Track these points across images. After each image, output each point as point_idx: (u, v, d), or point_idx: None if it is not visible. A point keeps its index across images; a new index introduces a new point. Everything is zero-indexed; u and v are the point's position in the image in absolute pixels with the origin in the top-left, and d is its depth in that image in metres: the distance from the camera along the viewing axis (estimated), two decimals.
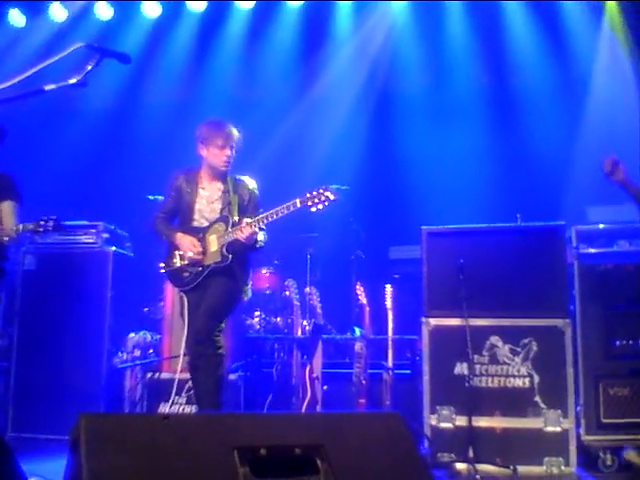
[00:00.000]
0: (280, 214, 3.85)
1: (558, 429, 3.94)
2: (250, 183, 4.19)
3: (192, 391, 4.29)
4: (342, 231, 5.85)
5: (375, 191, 6.49)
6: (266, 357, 5.19)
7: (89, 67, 2.38)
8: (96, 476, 1.69)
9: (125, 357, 5.08)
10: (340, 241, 5.91)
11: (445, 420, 4.07)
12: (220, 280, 3.99)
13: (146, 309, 5.51)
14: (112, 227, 5.33)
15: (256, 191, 4.19)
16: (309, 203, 3.77)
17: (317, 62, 6.79)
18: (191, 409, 4.48)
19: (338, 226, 5.57)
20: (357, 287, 4.78)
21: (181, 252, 4.08)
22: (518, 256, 4.21)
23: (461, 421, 4.03)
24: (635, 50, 5.72)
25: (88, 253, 5.13)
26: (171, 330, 4.89)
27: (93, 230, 5.19)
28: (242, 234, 3.89)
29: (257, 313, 5.49)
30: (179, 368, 4.24)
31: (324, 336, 4.96)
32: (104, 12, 6.76)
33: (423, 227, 4.37)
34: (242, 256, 4.06)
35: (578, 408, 4.04)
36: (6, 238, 3.72)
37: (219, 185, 4.14)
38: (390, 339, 4.62)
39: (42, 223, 3.77)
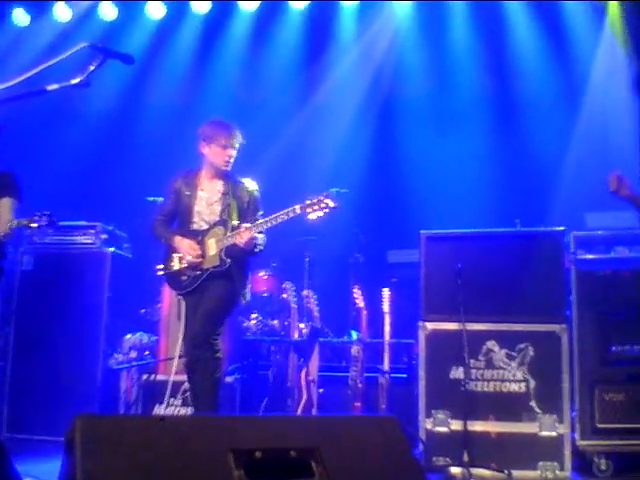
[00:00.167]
0: (279, 220, 3.86)
1: (553, 434, 3.95)
2: (250, 185, 4.19)
3: (188, 393, 4.30)
4: (341, 234, 5.86)
5: (375, 194, 6.50)
6: (263, 360, 5.19)
7: (92, 67, 2.39)
8: (91, 477, 1.69)
9: (121, 358, 5.08)
10: (339, 244, 5.91)
11: (440, 424, 4.08)
12: (218, 284, 3.99)
13: (143, 310, 5.51)
14: (111, 228, 5.33)
15: (256, 193, 4.19)
16: (309, 210, 3.78)
17: (320, 65, 6.80)
18: (186, 411, 4.49)
19: (337, 229, 5.57)
20: (354, 290, 4.78)
21: (179, 255, 4.08)
22: (516, 261, 4.22)
23: (456, 425, 4.04)
24: (633, 52, 5.72)
25: (86, 254, 5.13)
26: (168, 332, 4.89)
27: (92, 230, 5.19)
28: (241, 239, 3.89)
29: (254, 315, 5.49)
30: (174, 370, 4.24)
31: (321, 339, 4.96)
32: (108, 12, 6.77)
33: (422, 231, 4.38)
34: (241, 260, 4.06)
35: (573, 413, 4.05)
36: (1, 234, 3.72)
37: (219, 186, 4.14)
38: (387, 343, 4.62)
39: (36, 218, 3.78)
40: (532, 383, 4.04)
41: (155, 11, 6.84)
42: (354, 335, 4.77)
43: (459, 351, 4.07)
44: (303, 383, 4.63)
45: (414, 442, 4.05)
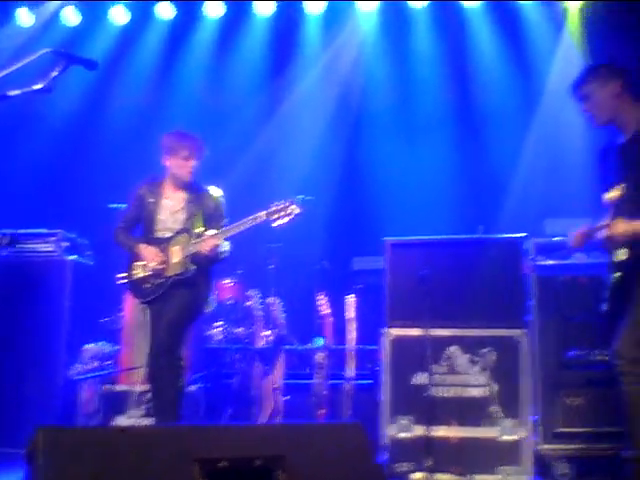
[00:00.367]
0: (245, 227, 3.86)
1: (514, 438, 4.00)
2: (215, 193, 4.19)
3: (150, 403, 4.25)
4: (306, 241, 5.87)
5: (341, 202, 6.53)
6: (227, 368, 5.15)
7: (55, 73, 2.36)
8: None
9: (82, 368, 4.98)
10: (304, 252, 5.93)
11: (404, 430, 4.10)
12: (182, 292, 3.97)
13: (105, 319, 5.42)
14: (72, 235, 5.24)
15: (221, 200, 4.19)
16: (274, 216, 3.79)
17: (286, 74, 6.82)
18: (149, 421, 4.42)
19: (303, 236, 5.59)
20: (320, 297, 4.80)
21: (142, 263, 4.04)
22: (479, 267, 4.28)
23: (419, 431, 4.06)
24: (590, 56, 5.87)
25: (47, 262, 5.03)
26: (130, 341, 4.83)
27: (52, 238, 5.09)
28: (206, 246, 3.88)
29: (219, 323, 5.45)
30: (137, 380, 4.19)
31: (286, 347, 4.96)
32: (71, 18, 6.68)
33: (386, 238, 4.41)
34: (205, 267, 4.04)
35: (534, 417, 4.11)
36: None
37: (183, 195, 4.13)
38: (351, 349, 4.64)
39: None
40: (494, 388, 4.10)
41: (119, 17, 6.77)
42: (319, 342, 4.78)
43: (422, 357, 4.10)
44: (268, 391, 4.62)
45: (378, 448, 4.07)
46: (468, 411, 4.07)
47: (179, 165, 4.06)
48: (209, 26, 6.86)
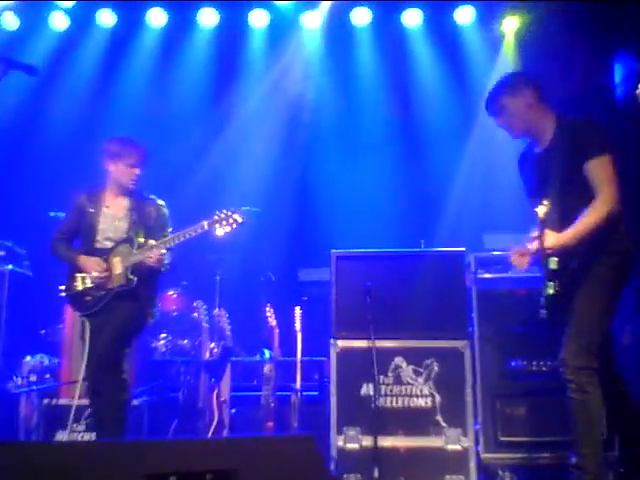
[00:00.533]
0: (187, 236, 3.82)
1: (458, 447, 4.08)
2: (158, 202, 4.13)
3: (90, 418, 4.13)
4: (252, 253, 5.86)
5: (286, 215, 6.55)
6: (172, 381, 5.07)
7: None
8: None
9: (20, 382, 4.80)
10: (249, 263, 5.91)
11: (351, 441, 4.12)
12: (124, 304, 3.88)
13: (43, 331, 5.25)
14: (9, 244, 5.08)
15: (164, 210, 4.12)
16: (216, 225, 3.77)
17: (233, 87, 6.80)
18: (90, 437, 4.30)
19: (249, 248, 5.57)
20: (267, 309, 4.78)
21: (83, 275, 3.93)
22: (421, 280, 4.36)
23: (367, 441, 4.09)
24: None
25: None
26: (70, 354, 4.68)
27: None
28: (149, 256, 3.81)
29: (163, 335, 5.36)
30: (78, 394, 4.07)
31: (233, 358, 4.92)
32: (10, 22, 6.49)
33: (332, 250, 4.45)
34: (148, 278, 3.96)
35: (477, 427, 4.20)
36: None
37: (125, 202, 4.05)
38: (299, 361, 4.64)
39: None
40: (437, 398, 4.17)
41: (59, 22, 6.62)
42: (266, 354, 4.76)
43: (369, 368, 4.14)
44: (214, 404, 4.56)
45: (326, 460, 4.07)
46: (414, 421, 4.12)
47: (123, 172, 3.98)
48: (152, 34, 6.78)
